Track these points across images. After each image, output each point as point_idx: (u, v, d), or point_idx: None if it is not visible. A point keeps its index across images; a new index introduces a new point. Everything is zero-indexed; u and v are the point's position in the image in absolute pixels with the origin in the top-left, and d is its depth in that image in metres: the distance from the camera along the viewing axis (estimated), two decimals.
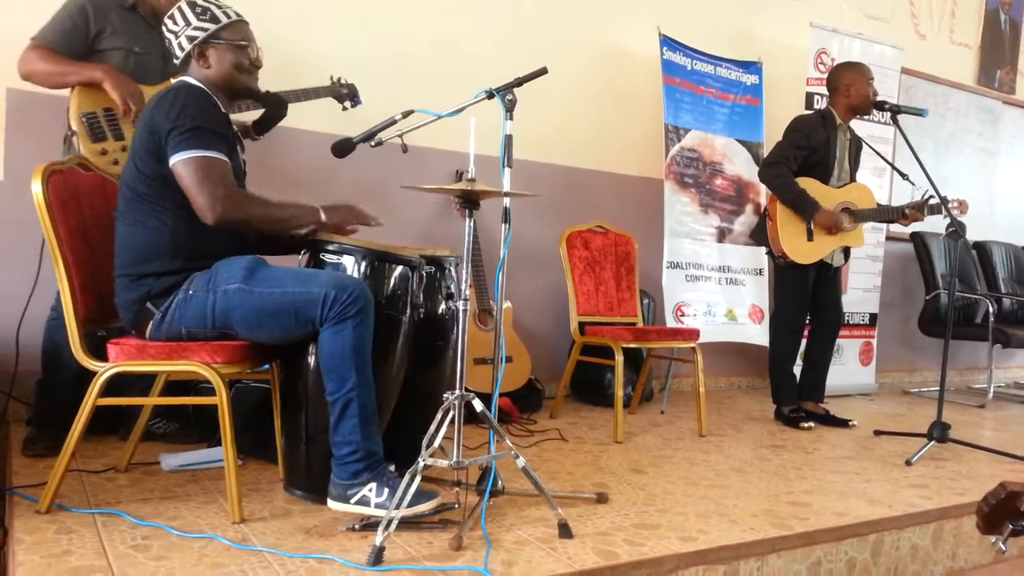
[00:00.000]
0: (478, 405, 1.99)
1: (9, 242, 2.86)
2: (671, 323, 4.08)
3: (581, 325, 3.51)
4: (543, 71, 2.22)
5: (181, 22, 2.09)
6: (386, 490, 1.91)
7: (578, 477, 2.55)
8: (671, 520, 2.15)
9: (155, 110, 2.00)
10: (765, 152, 4.29)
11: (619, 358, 3.20)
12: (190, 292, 2.01)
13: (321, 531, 1.91)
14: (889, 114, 3.49)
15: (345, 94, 3.10)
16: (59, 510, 1.94)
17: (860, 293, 4.83)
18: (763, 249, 4.08)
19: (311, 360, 2.05)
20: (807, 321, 3.82)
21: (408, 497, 1.83)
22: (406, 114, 2.27)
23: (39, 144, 2.74)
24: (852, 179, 3.78)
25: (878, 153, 3.83)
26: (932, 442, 3.12)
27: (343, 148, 2.36)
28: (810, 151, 3.60)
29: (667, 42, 4.17)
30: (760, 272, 4.46)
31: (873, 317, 4.96)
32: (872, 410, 4.33)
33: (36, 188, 1.94)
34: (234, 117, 2.69)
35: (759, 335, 4.38)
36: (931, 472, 2.90)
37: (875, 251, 4.91)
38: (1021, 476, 2.92)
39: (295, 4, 3.37)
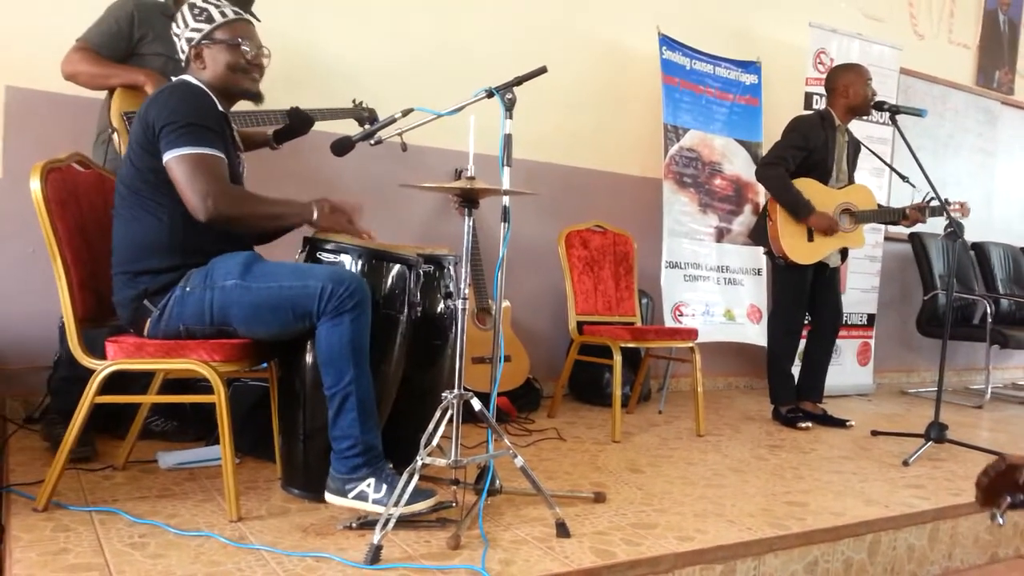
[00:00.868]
0: (476, 404, 1.99)
1: (8, 239, 2.86)
2: (669, 323, 4.08)
3: (579, 324, 3.51)
4: (542, 70, 2.22)
5: (182, 24, 2.10)
6: (384, 486, 1.91)
7: (576, 476, 2.55)
8: (668, 520, 2.15)
9: (150, 106, 2.00)
10: (764, 152, 4.29)
11: (617, 358, 3.21)
12: (187, 289, 2.00)
13: (319, 529, 1.91)
14: (888, 114, 3.49)
15: (366, 117, 3.17)
16: (56, 508, 1.94)
17: (858, 293, 4.84)
18: (761, 249, 4.08)
19: (309, 358, 2.04)
20: (806, 321, 3.83)
21: (406, 495, 1.83)
22: (405, 112, 2.27)
23: (38, 141, 2.74)
24: (850, 180, 3.78)
25: (876, 155, 3.83)
26: (929, 443, 3.12)
27: (342, 146, 2.36)
28: (808, 152, 3.60)
29: (666, 41, 4.17)
30: (758, 272, 4.47)
31: (871, 318, 4.97)
32: (870, 410, 4.34)
33: (35, 186, 1.94)
34: (257, 128, 2.72)
35: (757, 335, 4.38)
36: (928, 473, 2.90)
37: (873, 251, 4.91)
38: None
39: (296, 3, 3.36)
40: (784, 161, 3.57)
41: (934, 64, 5.49)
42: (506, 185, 2.11)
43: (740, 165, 4.44)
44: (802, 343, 3.87)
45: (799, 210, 3.55)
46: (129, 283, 2.03)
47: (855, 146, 3.81)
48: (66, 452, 1.92)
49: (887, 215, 3.75)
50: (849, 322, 4.74)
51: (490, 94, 2.16)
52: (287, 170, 3.30)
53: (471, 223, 2.04)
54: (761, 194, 4.40)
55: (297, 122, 2.72)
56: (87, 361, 1.96)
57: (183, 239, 2.02)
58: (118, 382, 2.04)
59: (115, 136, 2.47)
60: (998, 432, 3.98)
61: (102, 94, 2.57)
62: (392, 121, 2.28)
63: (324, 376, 1.94)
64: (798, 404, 3.78)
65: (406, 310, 2.16)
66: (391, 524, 1.77)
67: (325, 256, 2.12)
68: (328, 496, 1.96)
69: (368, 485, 1.92)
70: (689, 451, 3.04)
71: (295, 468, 2.17)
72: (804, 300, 3.74)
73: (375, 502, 1.91)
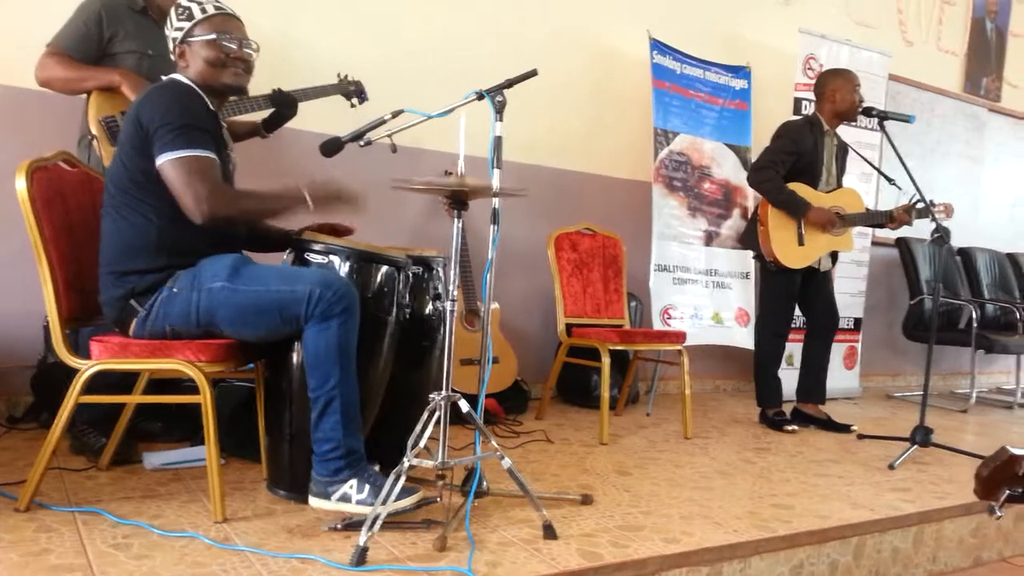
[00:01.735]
0: (464, 406, 1.99)
1: None
2: (658, 325, 4.09)
3: (568, 327, 3.51)
4: (533, 73, 2.23)
5: (169, 25, 2.11)
6: (367, 487, 1.91)
7: (563, 478, 2.56)
8: (655, 522, 2.16)
9: (142, 106, 1.99)
10: (753, 157, 4.31)
11: (605, 360, 3.21)
12: (174, 290, 1.99)
13: (304, 531, 1.90)
14: (876, 120, 3.52)
15: (352, 91, 3.11)
16: (39, 508, 1.92)
17: (846, 298, 4.86)
18: (750, 253, 4.10)
19: (296, 359, 2.04)
20: (801, 325, 3.85)
21: (393, 496, 1.83)
22: (395, 114, 2.27)
23: (23, 140, 2.72)
24: (839, 184, 3.81)
25: (864, 159, 3.86)
26: (915, 446, 3.14)
27: (331, 147, 2.35)
28: (798, 156, 3.63)
29: (657, 46, 4.18)
30: (746, 276, 4.48)
31: (858, 322, 5.00)
32: (856, 414, 4.36)
33: (20, 185, 1.92)
34: (245, 116, 2.70)
35: (745, 338, 4.40)
36: (913, 476, 2.92)
37: (860, 256, 4.94)
38: None
39: (287, 3, 3.35)
40: (775, 165, 3.59)
41: (922, 71, 5.54)
42: (496, 187, 2.11)
43: (729, 169, 4.46)
44: (801, 346, 3.88)
45: (797, 208, 3.57)
46: (116, 282, 2.02)
47: (843, 150, 3.83)
48: (48, 452, 1.91)
49: (875, 218, 3.77)
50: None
51: (480, 96, 2.17)
52: (276, 171, 3.29)
53: (460, 225, 2.04)
54: (750, 198, 4.43)
55: (282, 105, 2.69)
56: (71, 360, 1.94)
57: (171, 240, 2.01)
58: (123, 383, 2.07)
59: (95, 143, 2.46)
60: (983, 436, 4.01)
61: None
62: (382, 122, 2.28)
63: (309, 379, 1.94)
64: (799, 407, 3.79)
65: (394, 311, 2.15)
66: (377, 524, 1.76)
67: (313, 257, 2.12)
68: (312, 500, 1.95)
69: (351, 487, 1.92)
70: (676, 453, 3.04)
71: (281, 469, 2.16)
72: (792, 304, 3.76)
73: (358, 503, 1.91)
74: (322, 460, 1.94)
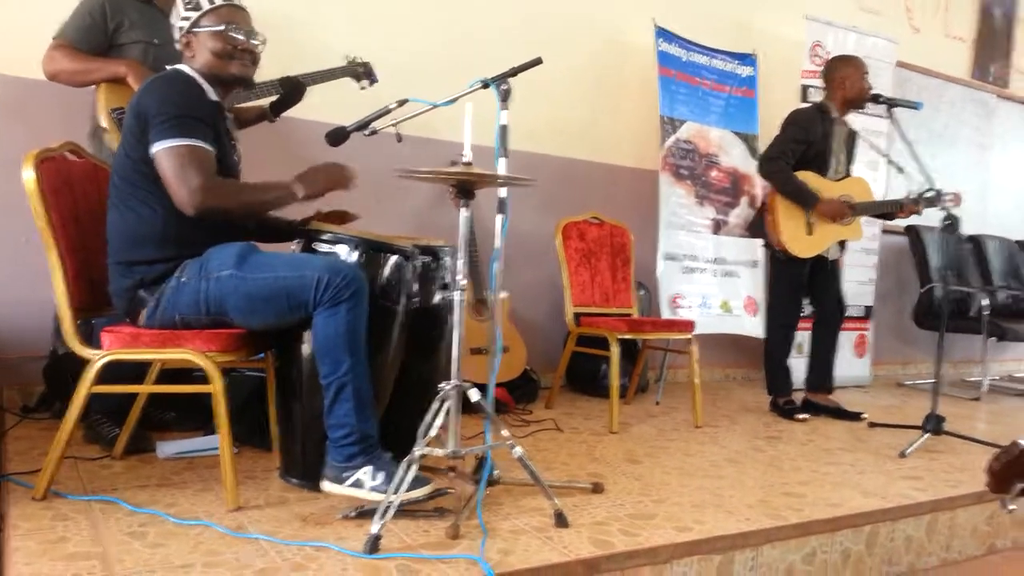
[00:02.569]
0: (474, 395, 1.99)
1: (1, 228, 2.84)
2: (667, 314, 4.08)
3: (577, 316, 3.50)
4: (538, 61, 2.21)
5: (175, 14, 2.10)
6: (381, 474, 1.91)
7: (574, 467, 2.55)
8: (667, 510, 2.15)
9: (141, 97, 1.99)
10: (760, 144, 4.30)
11: (615, 349, 3.21)
12: (182, 279, 1.99)
13: (317, 519, 1.91)
14: (884, 107, 3.50)
15: (361, 72, 3.08)
16: (55, 497, 1.93)
17: (855, 286, 4.84)
18: (758, 241, 4.08)
19: (306, 348, 2.04)
20: (810, 314, 3.83)
21: (405, 484, 1.83)
22: (401, 103, 2.26)
23: (31, 130, 2.72)
24: (848, 172, 3.78)
25: (874, 147, 3.83)
26: (927, 434, 3.13)
27: (337, 136, 2.35)
28: (808, 145, 3.61)
29: (662, 33, 4.16)
30: (755, 264, 4.47)
31: (868, 310, 4.98)
32: (867, 402, 4.34)
33: (28, 174, 1.92)
34: (252, 103, 2.69)
35: (754, 327, 4.39)
36: (925, 464, 2.91)
37: (870, 244, 4.92)
38: None
39: None
40: (785, 155, 3.58)
41: (930, 57, 5.49)
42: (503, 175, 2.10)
43: (736, 157, 4.44)
44: (809, 335, 3.87)
45: (807, 200, 3.56)
46: (124, 273, 2.02)
47: (852, 138, 3.81)
48: (64, 441, 1.91)
49: (884, 207, 3.75)
50: (846, 314, 4.74)
51: (486, 85, 2.15)
52: (282, 160, 3.28)
53: (468, 214, 2.03)
54: (758, 186, 4.40)
55: (290, 89, 2.69)
56: (82, 351, 1.95)
57: (178, 229, 2.01)
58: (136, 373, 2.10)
59: (105, 136, 2.45)
60: (995, 424, 3.99)
61: None
62: (387, 111, 2.27)
63: (320, 366, 1.94)
64: (809, 396, 3.78)
65: (403, 301, 2.15)
66: (390, 512, 1.76)
67: (321, 247, 2.11)
68: (325, 484, 1.95)
69: (365, 473, 1.92)
70: (687, 442, 3.04)
71: (293, 457, 2.16)
72: (801, 293, 3.75)
73: (372, 489, 1.91)
74: (337, 446, 1.94)
